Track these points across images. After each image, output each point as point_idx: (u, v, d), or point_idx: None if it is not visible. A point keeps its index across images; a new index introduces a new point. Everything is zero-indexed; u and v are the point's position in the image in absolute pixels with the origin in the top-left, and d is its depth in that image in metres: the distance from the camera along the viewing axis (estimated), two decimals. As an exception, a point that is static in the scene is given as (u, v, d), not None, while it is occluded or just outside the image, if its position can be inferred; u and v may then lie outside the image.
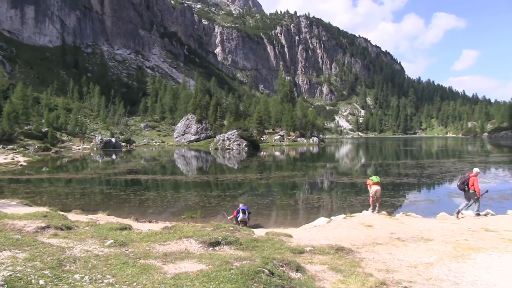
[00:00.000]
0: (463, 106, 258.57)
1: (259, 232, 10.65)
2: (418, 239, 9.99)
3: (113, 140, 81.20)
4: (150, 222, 14.49)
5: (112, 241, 7.82)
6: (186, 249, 7.58)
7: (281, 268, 6.36)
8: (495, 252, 8.71)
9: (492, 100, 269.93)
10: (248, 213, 14.75)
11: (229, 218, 15.11)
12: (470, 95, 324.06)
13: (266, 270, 5.82)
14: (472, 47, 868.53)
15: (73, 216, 12.48)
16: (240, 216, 14.40)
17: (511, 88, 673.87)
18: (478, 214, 14.17)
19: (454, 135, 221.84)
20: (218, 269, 5.83)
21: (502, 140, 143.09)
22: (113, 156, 59.85)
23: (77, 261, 6.14)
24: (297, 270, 6.56)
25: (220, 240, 8.12)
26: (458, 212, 14.28)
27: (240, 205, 14.93)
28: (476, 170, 14.57)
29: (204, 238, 8.17)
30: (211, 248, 7.77)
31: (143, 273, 5.71)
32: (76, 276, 5.27)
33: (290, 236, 10.03)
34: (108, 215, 14.76)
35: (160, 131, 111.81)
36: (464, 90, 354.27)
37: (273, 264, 6.28)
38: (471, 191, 14.12)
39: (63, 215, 11.77)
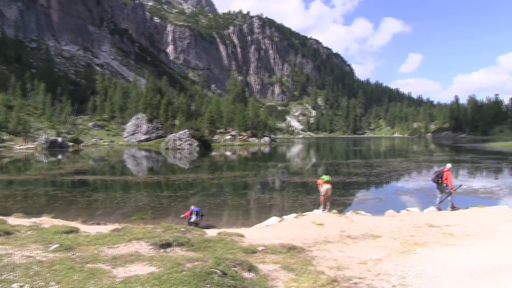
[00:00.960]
0: (409, 107, 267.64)
1: (211, 233, 10.58)
2: (367, 236, 10.22)
3: (60, 139, 78.30)
4: (98, 224, 14.05)
5: (57, 245, 7.52)
6: (136, 251, 7.43)
7: (233, 268, 6.33)
8: (438, 246, 9.17)
9: (435, 102, 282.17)
10: (202, 215, 14.61)
11: (181, 217, 14.88)
12: (416, 97, 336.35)
13: (218, 271, 5.78)
14: (417, 51, 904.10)
15: (13, 220, 11.83)
16: (193, 217, 14.22)
17: (452, 91, 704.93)
18: (439, 209, 14.94)
19: (400, 135, 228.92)
20: (169, 271, 5.74)
21: (444, 140, 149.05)
22: (59, 156, 57.74)
23: (16, 268, 5.82)
24: (249, 270, 6.54)
25: (171, 242, 8.01)
26: (439, 209, 14.99)
27: (193, 207, 14.72)
28: (449, 165, 15.67)
29: (155, 240, 8.03)
30: (162, 250, 7.65)
31: (91, 278, 5.51)
32: (15, 286, 4.99)
33: (242, 236, 10.02)
34: (53, 218, 14.17)
35: (109, 131, 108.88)
36: (410, 92, 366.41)
37: (226, 265, 6.25)
38: (444, 184, 15.19)
39: (1, 219, 11.26)
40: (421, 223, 11.92)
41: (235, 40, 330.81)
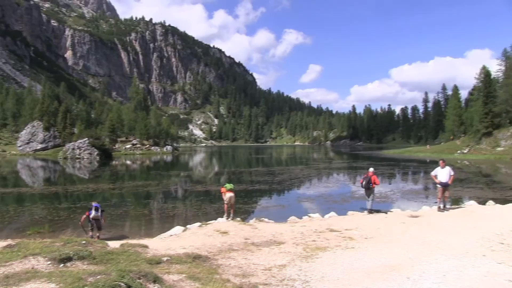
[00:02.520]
0: (309, 116, 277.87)
1: (113, 244, 10.19)
2: (271, 243, 10.43)
3: None
4: (-12, 241, 13.02)
5: None
6: (32, 268, 6.94)
7: (138, 280, 6.14)
8: (338, 250, 9.65)
9: (334, 111, 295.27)
10: (102, 211, 13.92)
11: (82, 220, 14.11)
12: (315, 106, 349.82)
13: (122, 284, 5.59)
14: (317, 62, 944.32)
15: None
16: (93, 213, 13.49)
17: (349, 101, 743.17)
18: (370, 212, 15.91)
19: (301, 144, 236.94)
20: (70, 287, 5.45)
21: (342, 147, 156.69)
22: None
23: None
24: (154, 282, 6.39)
25: (71, 255, 7.60)
26: (370, 212, 16.05)
27: (93, 203, 14.03)
28: (371, 169, 16.71)
29: (54, 255, 7.57)
30: (62, 265, 7.24)
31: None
32: None
33: (146, 246, 9.78)
34: None
35: (0, 139, 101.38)
36: (310, 102, 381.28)
37: (130, 277, 6.05)
38: (372, 188, 16.25)
39: None
40: (323, 228, 12.43)
41: (137, 47, 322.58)
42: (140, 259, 8.24)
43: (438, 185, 15.87)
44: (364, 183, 16.55)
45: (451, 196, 25.31)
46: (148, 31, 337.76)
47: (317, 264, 8.39)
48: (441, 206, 15.70)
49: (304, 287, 6.89)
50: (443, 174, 15.69)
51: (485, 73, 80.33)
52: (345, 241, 10.63)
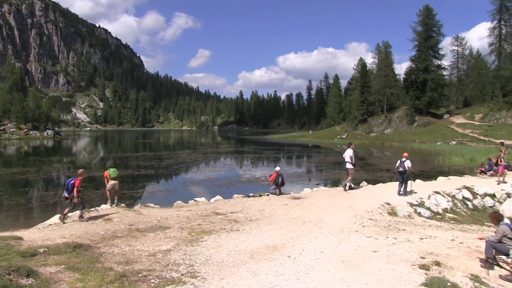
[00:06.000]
0: (197, 101, 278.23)
1: (-19, 239, 9.40)
2: (156, 229, 10.30)
3: None
4: None
5: None
6: None
7: (8, 276, 5.68)
8: (223, 233, 9.81)
9: (222, 97, 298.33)
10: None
11: None
12: (204, 91, 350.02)
13: (-15, 282, 5.14)
14: (206, 47, 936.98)
15: None
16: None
17: (237, 87, 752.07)
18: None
19: (189, 128, 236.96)
20: None
21: (229, 132, 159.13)
22: None
23: None
24: (28, 276, 5.97)
25: None
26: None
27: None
28: (277, 168, 17.60)
29: None
30: None
31: None
32: None
33: (21, 238, 9.10)
34: None
35: None
36: (198, 86, 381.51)
37: (-2, 273, 5.60)
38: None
39: None
40: (208, 212, 12.54)
41: (12, 22, 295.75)
42: (12, 252, 7.62)
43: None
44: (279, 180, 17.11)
45: (330, 177, 26.95)
46: (24, 5, 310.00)
47: (202, 247, 8.46)
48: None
49: (189, 271, 6.91)
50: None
51: (362, 65, 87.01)
52: (230, 224, 10.82)
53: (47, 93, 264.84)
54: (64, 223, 11.32)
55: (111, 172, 14.54)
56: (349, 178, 17.18)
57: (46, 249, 7.94)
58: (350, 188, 17.17)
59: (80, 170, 12.17)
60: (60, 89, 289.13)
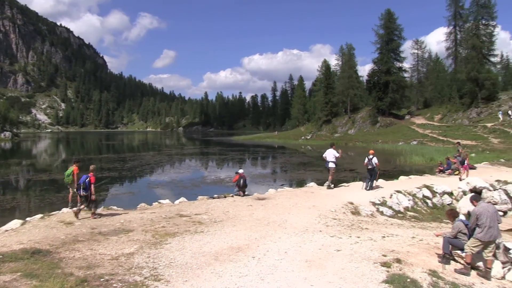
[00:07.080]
0: (162, 102, 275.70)
1: None
2: (119, 232, 10.14)
3: None
4: None
5: None
6: None
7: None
8: (187, 235, 9.77)
9: (187, 98, 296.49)
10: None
11: None
12: (168, 92, 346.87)
13: None
14: (171, 47, 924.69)
15: None
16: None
17: (202, 88, 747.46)
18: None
19: (153, 130, 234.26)
20: None
21: (194, 134, 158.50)
22: None
23: None
24: (-22, 287, 5.77)
25: None
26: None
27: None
28: (241, 171, 17.67)
29: None
30: None
31: None
32: None
33: (-26, 246, 8.80)
34: None
35: None
36: (162, 87, 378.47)
37: None
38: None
39: None
40: (172, 214, 12.42)
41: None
42: (-38, 262, 7.33)
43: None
44: (241, 182, 17.03)
45: (295, 178, 27.16)
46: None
47: (166, 250, 8.39)
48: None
49: (152, 274, 6.85)
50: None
51: (326, 67, 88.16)
52: (194, 226, 10.75)
53: (5, 93, 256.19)
54: (78, 218, 11.72)
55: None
56: (330, 178, 17.54)
57: (1, 256, 7.66)
58: (329, 187, 17.60)
59: (92, 167, 12.85)
60: (19, 89, 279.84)
